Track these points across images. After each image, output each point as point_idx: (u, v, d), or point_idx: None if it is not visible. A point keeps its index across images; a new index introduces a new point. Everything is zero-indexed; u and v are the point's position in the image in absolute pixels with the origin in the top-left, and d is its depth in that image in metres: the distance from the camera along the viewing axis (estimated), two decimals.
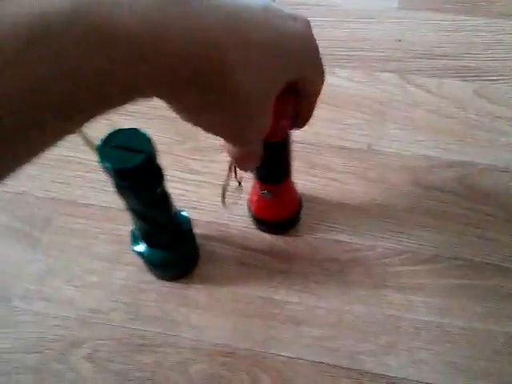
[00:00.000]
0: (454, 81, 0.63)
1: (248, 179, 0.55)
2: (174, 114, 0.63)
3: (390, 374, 0.47)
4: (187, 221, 0.52)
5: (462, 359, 0.47)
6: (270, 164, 0.47)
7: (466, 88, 0.63)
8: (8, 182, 0.59)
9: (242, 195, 0.51)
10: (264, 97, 0.30)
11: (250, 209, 0.54)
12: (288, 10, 0.31)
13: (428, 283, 0.51)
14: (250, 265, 0.53)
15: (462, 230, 0.54)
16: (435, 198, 0.56)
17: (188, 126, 0.61)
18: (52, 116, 0.23)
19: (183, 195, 0.57)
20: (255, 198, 0.52)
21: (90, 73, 0.22)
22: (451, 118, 0.61)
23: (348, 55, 0.67)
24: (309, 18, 0.70)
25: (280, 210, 0.53)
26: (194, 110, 0.30)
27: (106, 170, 0.39)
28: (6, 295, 0.52)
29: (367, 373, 0.47)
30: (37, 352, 0.49)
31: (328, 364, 0.48)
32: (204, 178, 0.59)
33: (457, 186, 0.56)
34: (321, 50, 0.65)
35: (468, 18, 0.68)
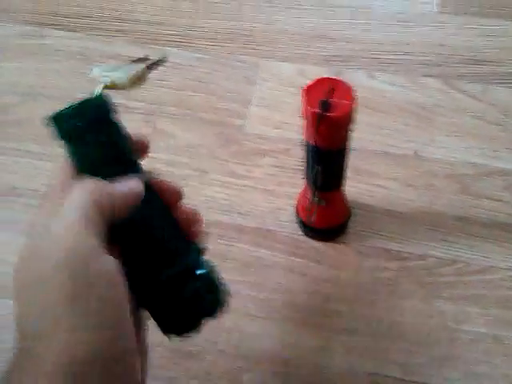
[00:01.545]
0: (498, 87, 0.62)
1: (296, 185, 0.55)
2: (215, 117, 0.63)
3: None
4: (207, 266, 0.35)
5: None
6: (329, 172, 0.46)
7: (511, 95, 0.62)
8: (47, 183, 0.58)
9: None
10: None
11: (298, 215, 0.53)
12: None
13: (483, 294, 0.50)
14: (299, 272, 0.52)
15: None
16: (484, 206, 0.55)
17: (231, 130, 0.61)
18: None
19: (226, 199, 0.56)
20: (306, 204, 0.51)
21: None
22: (497, 125, 0.60)
23: (389, 59, 0.66)
24: (348, 21, 0.69)
25: (331, 217, 0.52)
26: None
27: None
28: None
29: None
30: None
31: (382, 375, 0.47)
32: (248, 183, 0.57)
33: (506, 194, 0.55)
34: (361, 53, 0.65)
35: (510, 22, 0.67)
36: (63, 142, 0.33)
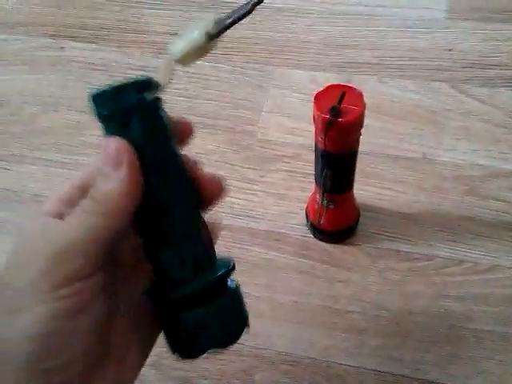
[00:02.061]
0: (506, 90, 0.64)
1: (306, 189, 0.56)
2: (228, 124, 0.64)
3: None
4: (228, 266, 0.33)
5: None
6: (338, 176, 0.48)
7: None
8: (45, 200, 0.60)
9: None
10: None
11: (308, 218, 0.55)
12: None
13: (489, 293, 0.51)
14: (310, 274, 0.54)
15: None
16: (491, 207, 0.56)
17: (243, 137, 0.63)
18: None
19: (238, 204, 0.58)
20: (316, 207, 0.52)
21: None
22: (504, 128, 0.61)
23: (398, 65, 0.67)
24: (357, 28, 0.71)
25: (341, 219, 0.53)
26: None
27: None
28: None
29: (432, 382, 0.47)
30: None
31: (391, 373, 0.48)
32: (260, 187, 0.59)
33: None
34: (371, 59, 0.66)
35: None
36: (101, 124, 0.30)
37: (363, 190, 0.57)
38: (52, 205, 0.29)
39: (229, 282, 0.32)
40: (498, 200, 0.56)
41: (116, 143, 0.28)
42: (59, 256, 0.26)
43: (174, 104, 0.65)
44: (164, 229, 0.30)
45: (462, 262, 0.53)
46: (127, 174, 0.27)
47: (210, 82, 0.68)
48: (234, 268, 0.33)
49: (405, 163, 0.59)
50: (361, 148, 0.48)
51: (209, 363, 0.49)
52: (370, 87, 0.65)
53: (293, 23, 0.73)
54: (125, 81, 0.29)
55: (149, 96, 0.29)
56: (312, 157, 0.49)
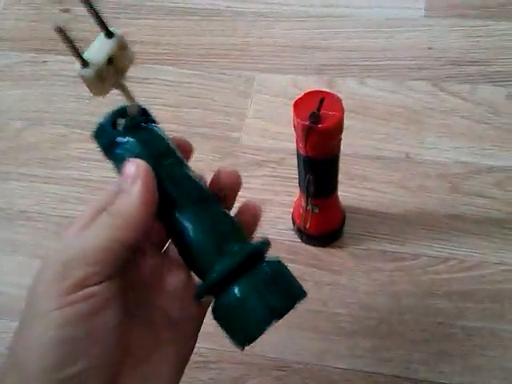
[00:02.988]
0: (486, 86, 0.64)
1: (292, 193, 0.57)
2: (211, 131, 0.64)
3: (445, 381, 0.48)
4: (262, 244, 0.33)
5: None
6: (321, 180, 0.48)
7: (498, 93, 0.63)
8: (54, 206, 0.61)
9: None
10: None
11: (295, 223, 0.55)
12: None
13: (477, 289, 0.52)
14: (298, 278, 0.53)
15: (505, 235, 0.54)
16: (476, 203, 0.57)
17: (228, 143, 0.63)
18: None
19: None
20: (301, 212, 0.53)
21: None
22: (486, 124, 0.61)
23: (378, 65, 0.68)
24: (336, 30, 0.71)
25: (326, 223, 0.53)
26: None
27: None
28: None
29: (422, 381, 0.48)
30: None
31: (382, 374, 0.49)
32: (245, 194, 0.59)
33: (496, 190, 0.57)
34: (351, 61, 0.66)
35: (495, 22, 0.69)
36: (106, 157, 0.33)
37: (348, 192, 0.58)
38: (73, 230, 0.31)
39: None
40: (482, 196, 0.57)
41: (133, 162, 0.30)
42: (70, 263, 0.28)
43: (157, 113, 0.65)
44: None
45: (448, 259, 0.53)
46: (142, 187, 0.29)
47: (192, 90, 0.69)
48: (268, 243, 0.33)
49: (388, 163, 0.60)
50: (344, 150, 0.49)
51: (201, 372, 0.50)
52: (351, 88, 0.66)
53: (272, 28, 0.73)
54: (109, 112, 0.32)
55: (129, 120, 0.32)
56: (296, 161, 0.49)
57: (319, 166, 0.47)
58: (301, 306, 0.52)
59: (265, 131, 0.64)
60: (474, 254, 0.53)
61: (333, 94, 0.44)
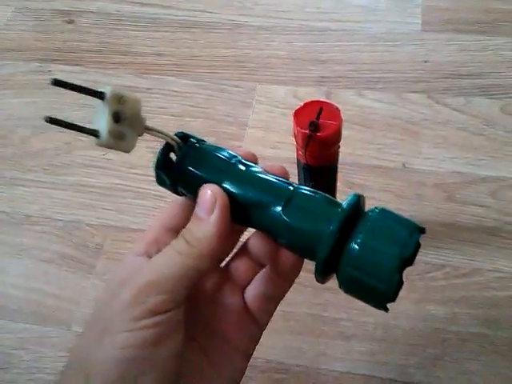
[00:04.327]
0: (480, 99, 0.66)
1: None
2: (214, 140, 0.64)
3: None
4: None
5: (509, 370, 0.49)
6: (322, 187, 0.49)
7: (493, 106, 0.65)
8: (59, 211, 0.62)
9: None
10: None
11: None
12: None
13: (471, 296, 0.53)
14: (298, 283, 0.54)
15: (499, 242, 0.56)
16: (470, 212, 0.58)
17: None
18: None
19: None
20: None
21: None
22: (480, 135, 0.63)
23: (376, 77, 0.69)
24: (335, 43, 0.73)
25: None
26: None
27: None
28: (66, 320, 0.54)
29: None
30: None
31: (379, 377, 0.50)
32: None
33: (490, 200, 0.59)
34: (350, 73, 0.68)
35: (489, 37, 0.71)
36: (175, 189, 0.34)
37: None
38: (139, 246, 0.32)
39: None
40: (477, 205, 0.58)
41: (208, 188, 0.30)
42: (145, 289, 0.28)
43: (161, 123, 0.67)
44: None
45: (443, 266, 0.55)
46: (219, 217, 0.30)
47: (195, 100, 0.70)
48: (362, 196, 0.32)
49: (385, 173, 0.61)
50: (342, 159, 0.50)
51: None
52: (349, 100, 0.67)
53: (273, 40, 0.75)
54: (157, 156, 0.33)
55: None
56: (296, 169, 0.51)
57: (318, 173, 0.49)
58: (301, 311, 0.54)
59: (265, 140, 0.66)
60: (469, 262, 0.55)
61: (331, 104, 0.46)
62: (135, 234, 0.59)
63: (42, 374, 0.52)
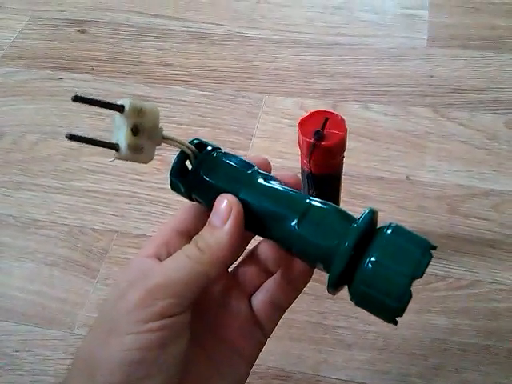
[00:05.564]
0: (485, 114, 0.67)
1: None
2: None
3: None
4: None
5: (509, 381, 0.49)
6: (325, 196, 0.50)
7: (497, 120, 0.66)
8: (65, 216, 0.63)
9: None
10: None
11: None
12: None
13: (472, 307, 0.53)
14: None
15: (500, 255, 0.56)
16: (471, 225, 0.59)
17: None
18: None
19: None
20: None
21: None
22: (484, 149, 0.64)
23: (382, 91, 0.70)
24: (342, 57, 0.74)
25: None
26: None
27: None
28: (70, 324, 0.55)
29: None
30: None
31: None
32: None
33: (492, 213, 0.59)
34: (356, 86, 0.68)
35: (494, 53, 0.72)
36: (189, 196, 0.34)
37: (349, 211, 0.59)
38: (149, 248, 0.32)
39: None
40: (479, 218, 0.59)
41: (225, 197, 0.31)
42: (154, 292, 0.28)
43: (169, 131, 0.68)
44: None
45: (445, 277, 0.55)
46: (233, 227, 0.30)
47: (203, 110, 0.71)
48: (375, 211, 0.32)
49: (389, 184, 0.62)
50: (346, 170, 0.51)
51: None
52: (355, 112, 0.68)
53: (281, 53, 0.76)
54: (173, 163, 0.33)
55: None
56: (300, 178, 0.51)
57: (322, 182, 0.49)
58: (302, 319, 0.54)
59: (271, 150, 0.66)
60: (471, 273, 0.55)
61: (336, 115, 0.46)
62: (139, 239, 0.60)
63: (45, 377, 0.52)
